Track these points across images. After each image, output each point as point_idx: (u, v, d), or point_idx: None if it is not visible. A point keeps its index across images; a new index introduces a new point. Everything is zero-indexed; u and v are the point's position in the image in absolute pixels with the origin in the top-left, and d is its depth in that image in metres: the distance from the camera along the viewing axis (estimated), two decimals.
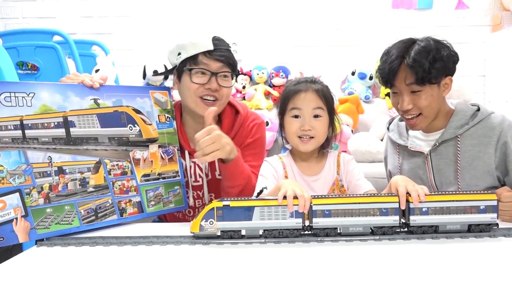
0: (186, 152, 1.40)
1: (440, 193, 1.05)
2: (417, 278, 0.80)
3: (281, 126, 1.32)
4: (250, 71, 3.11)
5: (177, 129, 1.38)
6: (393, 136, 1.48)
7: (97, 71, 2.57)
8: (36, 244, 1.06)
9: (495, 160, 1.31)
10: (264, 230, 1.01)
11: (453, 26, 3.17)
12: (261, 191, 1.02)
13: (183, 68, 1.34)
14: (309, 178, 1.30)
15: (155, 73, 2.76)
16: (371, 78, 3.04)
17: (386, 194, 1.03)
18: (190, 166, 1.41)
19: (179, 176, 1.35)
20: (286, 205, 1.00)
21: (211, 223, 1.00)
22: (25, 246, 1.13)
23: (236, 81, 1.40)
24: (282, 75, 3.06)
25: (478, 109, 1.37)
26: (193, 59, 1.32)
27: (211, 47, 1.31)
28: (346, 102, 2.79)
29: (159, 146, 1.31)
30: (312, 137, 1.25)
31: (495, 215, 1.02)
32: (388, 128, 1.55)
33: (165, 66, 2.88)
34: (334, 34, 3.22)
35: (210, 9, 3.20)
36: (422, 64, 1.23)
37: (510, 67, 2.81)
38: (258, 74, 3.09)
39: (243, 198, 1.02)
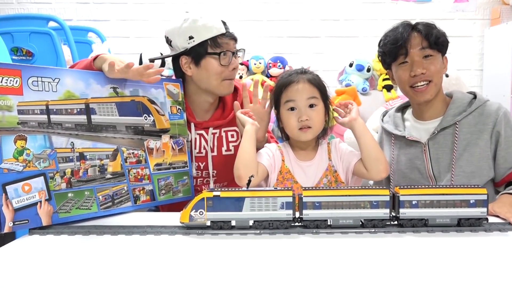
0: (192, 125, 1.44)
1: (430, 186, 1.05)
2: (407, 271, 0.81)
3: (278, 118, 1.34)
4: (248, 61, 3.08)
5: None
6: (388, 127, 1.48)
7: None
8: (29, 232, 1.06)
9: (490, 147, 1.34)
10: (255, 221, 1.02)
11: (452, 19, 3.15)
12: (249, 181, 1.03)
13: (204, 52, 1.35)
14: (303, 163, 1.33)
15: (151, 60, 2.74)
16: (368, 70, 3.03)
17: (376, 187, 1.04)
18: (195, 138, 1.45)
19: (187, 166, 1.39)
20: (277, 197, 1.00)
21: (201, 213, 1.01)
22: (18, 234, 1.13)
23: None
24: (279, 66, 3.05)
25: (475, 97, 1.40)
26: (213, 42, 1.34)
27: (223, 30, 1.35)
28: (343, 94, 2.79)
29: (171, 137, 1.34)
30: (310, 127, 1.27)
31: (485, 209, 1.03)
32: (382, 120, 1.55)
33: (161, 53, 2.86)
34: (332, 25, 3.20)
35: None
36: (433, 29, 1.34)
37: (508, 61, 2.80)
38: (255, 64, 3.07)
39: (233, 189, 1.03)
